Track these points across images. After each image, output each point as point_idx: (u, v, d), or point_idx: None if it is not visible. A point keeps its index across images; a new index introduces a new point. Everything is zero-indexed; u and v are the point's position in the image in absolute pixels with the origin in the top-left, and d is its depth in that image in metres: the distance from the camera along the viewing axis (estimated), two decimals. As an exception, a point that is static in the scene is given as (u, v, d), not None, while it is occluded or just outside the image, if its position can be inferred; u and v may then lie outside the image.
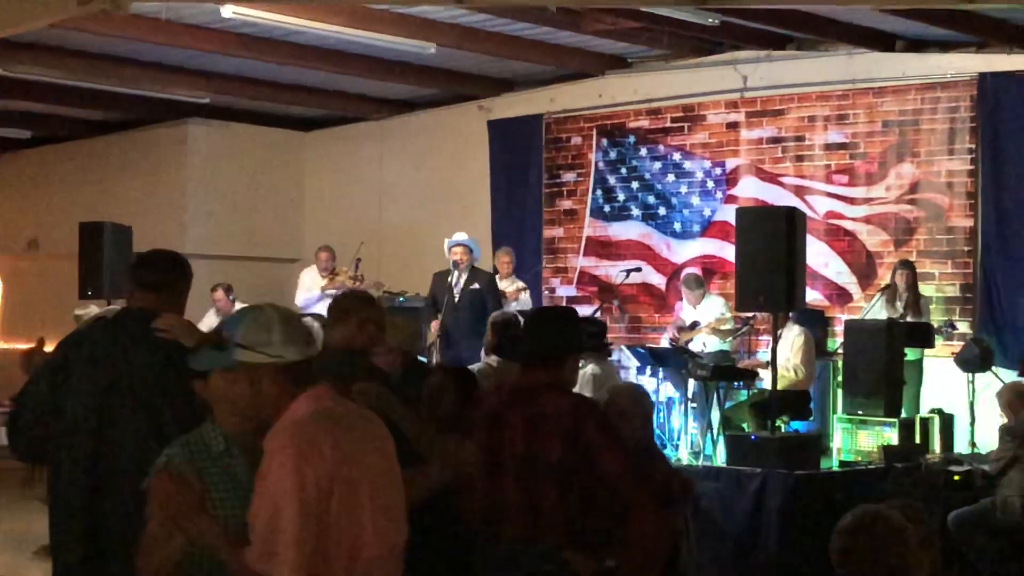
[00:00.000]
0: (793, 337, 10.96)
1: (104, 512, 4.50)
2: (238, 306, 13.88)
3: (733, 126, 13.64)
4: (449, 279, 11.99)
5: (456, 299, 11.82)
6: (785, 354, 10.76)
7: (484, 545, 5.07)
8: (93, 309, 10.50)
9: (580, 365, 9.60)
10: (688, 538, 6.20)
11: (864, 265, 12.77)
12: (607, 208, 14.52)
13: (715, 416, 10.91)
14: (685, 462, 10.22)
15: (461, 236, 12.28)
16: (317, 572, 3.31)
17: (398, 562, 3.61)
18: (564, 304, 14.37)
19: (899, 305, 11.50)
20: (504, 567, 4.96)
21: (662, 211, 14.11)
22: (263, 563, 3.30)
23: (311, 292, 13.81)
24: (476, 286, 11.91)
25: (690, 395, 11.15)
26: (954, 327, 11.81)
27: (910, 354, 11.08)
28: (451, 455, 4.93)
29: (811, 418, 10.89)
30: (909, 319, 11.29)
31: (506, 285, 12.74)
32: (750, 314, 11.57)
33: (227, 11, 11.02)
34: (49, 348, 5.01)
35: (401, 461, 3.90)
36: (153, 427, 4.51)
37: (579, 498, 4.94)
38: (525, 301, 12.71)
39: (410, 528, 3.85)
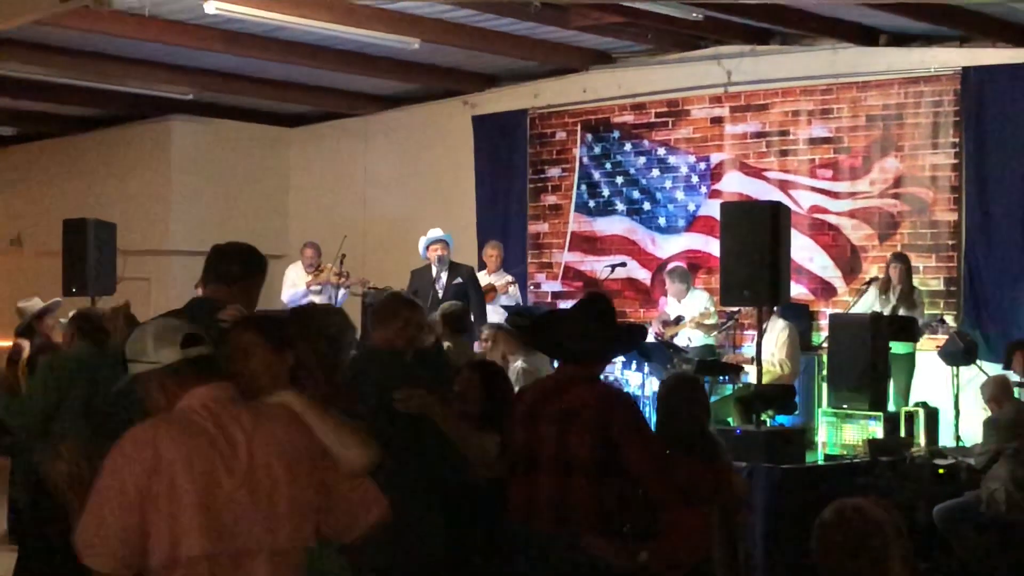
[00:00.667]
0: (778, 331, 10.97)
1: None
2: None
3: (717, 121, 13.65)
4: (431, 276, 12.00)
5: (440, 295, 11.82)
6: (770, 348, 10.78)
7: (517, 538, 5.18)
8: (36, 302, 10.49)
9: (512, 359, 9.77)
10: (726, 538, 6.04)
11: (849, 259, 12.80)
12: (592, 203, 14.52)
13: (700, 411, 10.90)
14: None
15: (437, 232, 12.28)
16: (132, 564, 3.49)
17: (267, 564, 3.63)
18: (549, 300, 14.41)
19: (892, 298, 11.52)
20: (537, 559, 5.06)
21: (647, 206, 14.12)
22: (84, 554, 3.50)
23: (296, 288, 13.76)
24: (459, 280, 11.92)
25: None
26: (943, 322, 11.83)
27: (901, 348, 11.13)
28: (486, 451, 5.33)
29: (796, 412, 10.89)
30: (902, 313, 11.31)
31: (495, 279, 12.73)
32: (735, 308, 11.59)
33: (210, 7, 10.98)
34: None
35: (444, 459, 4.76)
36: None
37: (611, 491, 5.00)
38: (514, 295, 12.71)
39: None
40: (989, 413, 9.50)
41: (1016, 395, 9.79)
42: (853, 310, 11.58)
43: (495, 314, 11.97)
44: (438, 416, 5.23)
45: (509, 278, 12.85)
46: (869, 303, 11.55)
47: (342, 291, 13.14)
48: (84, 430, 6.25)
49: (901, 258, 11.76)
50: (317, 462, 3.76)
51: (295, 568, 3.71)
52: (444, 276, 11.99)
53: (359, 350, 5.84)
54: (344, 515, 3.82)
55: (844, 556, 3.86)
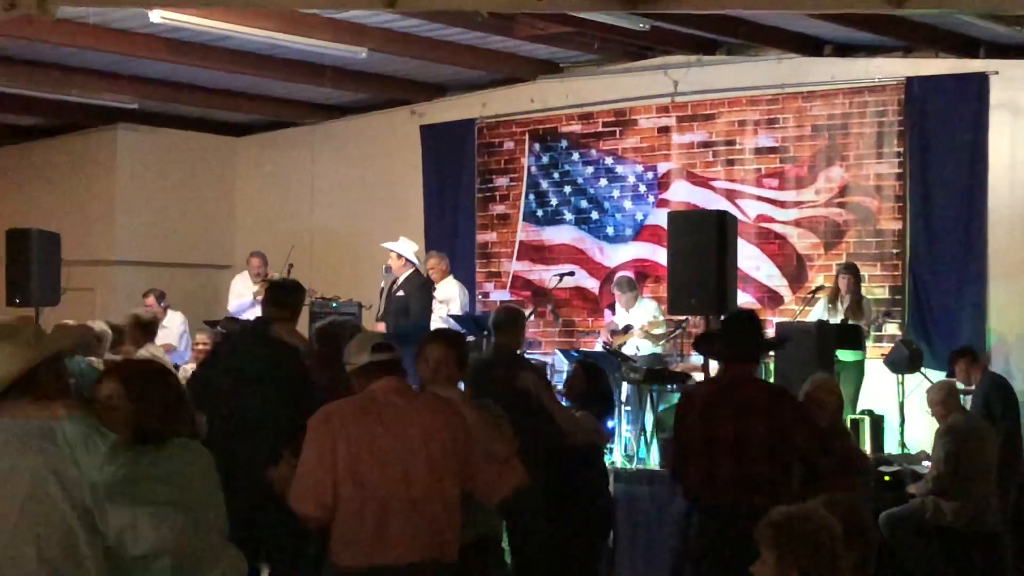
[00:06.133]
0: (725, 340, 10.99)
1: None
2: (169, 313, 13.75)
3: (664, 130, 13.70)
4: (383, 285, 11.98)
5: (385, 305, 11.81)
6: (717, 357, 10.81)
7: (699, 511, 6.54)
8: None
9: None
10: None
11: (795, 268, 12.87)
12: (540, 212, 14.53)
13: (648, 419, 10.96)
14: (619, 465, 10.26)
15: (392, 243, 12.25)
16: (328, 507, 4.88)
17: (418, 514, 4.93)
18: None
19: (840, 308, 11.57)
20: (723, 527, 6.22)
21: (595, 215, 14.15)
22: (293, 502, 4.97)
23: (243, 298, 13.69)
24: (401, 293, 11.87)
25: (624, 398, 11.17)
26: (889, 315, 11.91)
27: (850, 355, 11.18)
28: (583, 427, 7.32)
29: (743, 420, 10.90)
30: (851, 323, 11.36)
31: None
32: (682, 317, 11.63)
33: (155, 16, 10.89)
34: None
35: (550, 428, 7.00)
36: (268, 402, 6.59)
37: (781, 468, 6.31)
38: (460, 303, 12.61)
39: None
40: (934, 419, 9.50)
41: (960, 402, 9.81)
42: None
43: (441, 323, 11.92)
44: (543, 395, 7.10)
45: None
46: (818, 314, 11.59)
47: (289, 301, 13.03)
48: None
49: (850, 268, 11.81)
50: (461, 443, 5.06)
51: (433, 518, 4.92)
52: (392, 285, 11.96)
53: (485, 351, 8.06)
54: (486, 484, 5.20)
55: (792, 567, 3.85)
